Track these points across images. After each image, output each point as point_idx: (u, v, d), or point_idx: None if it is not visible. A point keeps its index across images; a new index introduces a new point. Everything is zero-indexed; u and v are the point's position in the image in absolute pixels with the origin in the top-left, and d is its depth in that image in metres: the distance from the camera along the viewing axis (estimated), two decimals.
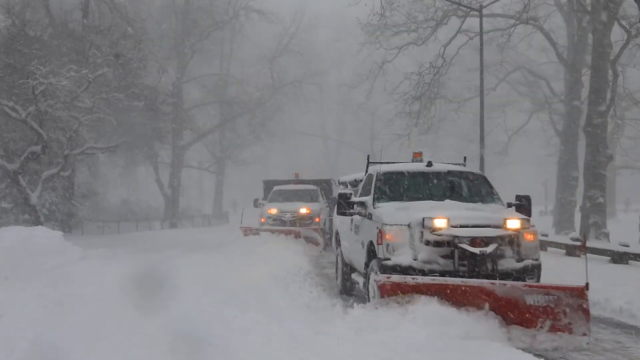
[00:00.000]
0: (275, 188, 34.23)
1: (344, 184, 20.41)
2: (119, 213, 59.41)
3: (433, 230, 11.82)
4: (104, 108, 38.60)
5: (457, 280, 11.13)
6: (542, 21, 42.59)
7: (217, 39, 66.58)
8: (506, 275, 11.80)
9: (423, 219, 11.87)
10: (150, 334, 10.47)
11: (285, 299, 14.84)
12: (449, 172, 15.05)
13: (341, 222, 17.48)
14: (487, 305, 10.94)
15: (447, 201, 13.47)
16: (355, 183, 18.22)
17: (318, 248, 28.43)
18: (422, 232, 11.90)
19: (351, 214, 14.90)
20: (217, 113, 69.44)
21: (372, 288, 12.02)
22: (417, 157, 16.18)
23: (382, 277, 11.38)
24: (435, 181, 14.69)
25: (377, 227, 12.77)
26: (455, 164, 16.32)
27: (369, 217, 13.76)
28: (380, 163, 16.14)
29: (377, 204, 13.87)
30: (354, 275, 15.89)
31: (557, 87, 51.12)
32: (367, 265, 13.39)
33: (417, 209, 12.55)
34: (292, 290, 16.14)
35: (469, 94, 51.10)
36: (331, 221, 32.56)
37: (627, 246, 22.49)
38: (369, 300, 12.37)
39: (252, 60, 70.05)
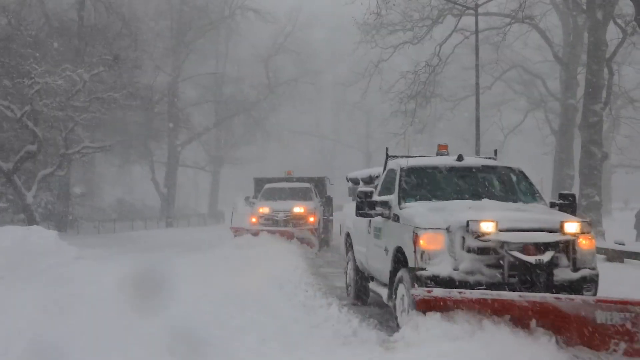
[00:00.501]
0: (267, 186, 32.19)
1: (354, 180, 17.79)
2: (115, 212, 59.35)
3: (478, 235, 10.19)
4: (100, 107, 38.60)
5: (513, 295, 9.54)
6: (538, 20, 42.58)
7: (213, 38, 66.63)
8: (561, 287, 10.29)
9: (468, 222, 10.22)
10: (148, 333, 10.48)
11: (280, 298, 14.84)
12: (483, 167, 13.22)
13: (355, 224, 15.47)
14: (549, 324, 9.36)
15: (485, 201, 11.72)
16: (369, 180, 15.96)
17: (313, 250, 27.00)
18: (463, 238, 10.28)
19: (374, 216, 12.62)
20: (212, 112, 69.44)
21: (404, 302, 10.75)
22: (442, 149, 14.40)
23: (422, 291, 9.55)
24: (468, 177, 12.94)
25: (408, 232, 10.93)
26: (487, 158, 14.64)
27: (395, 219, 11.90)
28: (401, 157, 14.35)
29: (404, 204, 12.00)
30: (372, 285, 14.01)
31: (552, 85, 51.15)
32: (392, 274, 11.67)
33: (454, 210, 10.93)
34: (288, 289, 16.11)
35: (465, 93, 51.12)
36: (325, 221, 32.28)
37: (623, 244, 22.53)
38: (395, 317, 11.14)
39: (247, 60, 70.02)
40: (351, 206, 15.55)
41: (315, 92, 75.68)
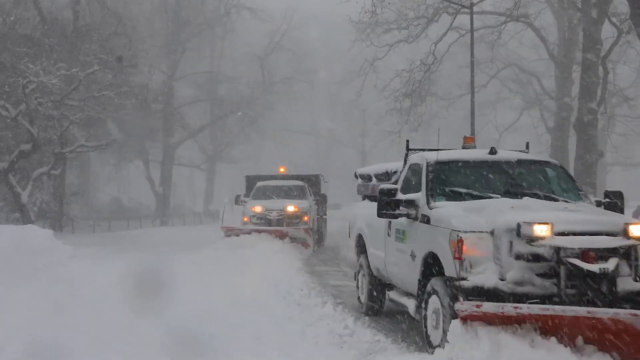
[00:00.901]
0: (259, 184, 30.84)
1: (364, 177, 15.85)
2: (110, 211, 59.35)
3: (532, 239, 8.77)
4: (95, 106, 38.56)
5: (580, 310, 8.16)
6: (533, 18, 42.57)
7: (208, 37, 66.57)
8: (624, 300, 8.87)
9: (519, 224, 8.78)
10: (143, 332, 10.50)
11: (275, 297, 14.84)
12: (519, 162, 11.56)
13: (369, 225, 13.81)
14: (625, 346, 8.13)
15: (527, 199, 10.24)
16: (385, 176, 14.10)
17: (308, 250, 26.34)
18: (511, 242, 8.84)
19: (398, 216, 11.05)
20: (208, 111, 69.36)
21: (437, 317, 9.47)
22: (468, 142, 13.02)
23: (469, 306, 8.22)
24: (503, 173, 11.28)
25: (444, 235, 9.57)
26: (519, 152, 12.80)
27: (424, 220, 10.43)
28: (425, 150, 12.85)
29: (434, 203, 10.52)
30: (392, 295, 12.38)
31: (547, 84, 51.14)
32: (422, 284, 10.33)
33: (496, 210, 9.50)
34: (283, 288, 16.12)
35: (460, 91, 51.09)
36: (319, 220, 31.43)
37: None
38: (425, 333, 9.89)
39: (243, 58, 69.94)
40: (363, 205, 14.94)
41: (311, 91, 75.60)
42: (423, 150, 12.98)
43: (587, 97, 32.02)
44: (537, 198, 10.47)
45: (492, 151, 11.62)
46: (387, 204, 11.04)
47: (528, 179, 11.34)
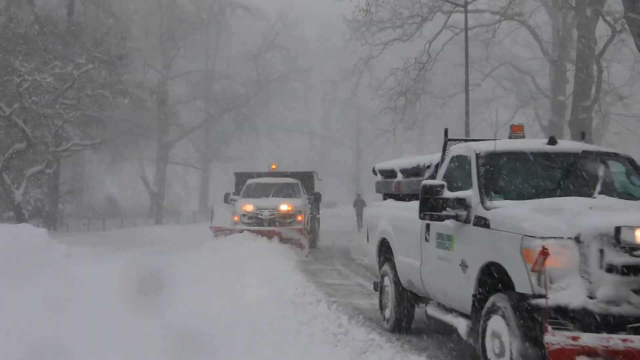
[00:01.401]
0: (250, 181, 29.43)
1: (387, 173, 13.73)
2: (104, 210, 59.26)
3: (633, 247, 7.13)
4: (89, 105, 38.51)
5: None
6: (527, 17, 42.63)
7: (202, 36, 66.51)
8: None
9: (619, 228, 7.14)
10: (138, 332, 10.49)
11: (270, 295, 14.83)
12: (586, 153, 9.81)
13: (397, 228, 11.93)
14: None
15: (603, 198, 8.74)
16: (416, 171, 11.97)
17: (303, 252, 25.05)
18: (601, 251, 7.24)
19: (445, 218, 9.19)
20: (202, 109, 69.33)
21: (501, 344, 7.84)
22: (517, 131, 10.83)
23: (563, 337, 6.61)
24: (567, 166, 9.55)
25: (512, 241, 7.86)
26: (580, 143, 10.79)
27: (481, 223, 8.66)
28: (470, 141, 10.98)
29: (492, 203, 8.78)
30: (431, 311, 10.54)
31: (542, 82, 51.22)
32: (477, 300, 8.61)
33: (576, 212, 7.93)
34: (277, 286, 16.10)
35: (455, 90, 51.15)
36: (312, 219, 30.12)
37: None
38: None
39: (237, 57, 69.91)
40: (386, 205, 13.26)
41: (305, 89, 75.70)
42: (465, 140, 11.17)
43: (582, 96, 32.07)
44: (611, 196, 8.97)
45: (552, 141, 9.87)
46: (432, 204, 9.16)
47: (596, 174, 9.45)
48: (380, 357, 9.62)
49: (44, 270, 16.97)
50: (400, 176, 12.81)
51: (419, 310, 11.79)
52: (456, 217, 9.09)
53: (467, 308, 8.88)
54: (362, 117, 75.26)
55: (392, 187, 13.08)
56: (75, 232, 43.12)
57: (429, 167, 11.39)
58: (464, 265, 8.96)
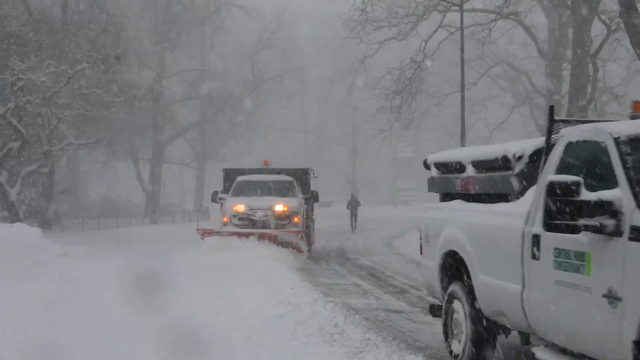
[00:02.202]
0: (240, 179, 26.66)
1: (446, 167, 10.91)
2: (100, 209, 59.14)
3: None
4: (84, 104, 38.44)
5: None
6: (523, 16, 42.68)
7: (198, 34, 66.54)
8: None
9: None
10: (133, 331, 10.43)
11: (266, 295, 14.77)
12: None
13: (477, 237, 9.03)
14: None
15: None
16: (500, 163, 9.03)
17: (302, 256, 23.51)
18: None
19: (584, 229, 6.51)
20: (197, 108, 69.30)
21: None
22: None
23: None
24: None
25: None
26: None
27: None
28: (580, 122, 8.25)
29: None
30: (544, 356, 7.40)
31: (538, 81, 51.20)
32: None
33: None
34: (273, 286, 16.03)
35: (450, 89, 51.19)
36: (307, 220, 27.03)
37: None
38: None
39: (233, 56, 69.94)
40: (454, 207, 10.32)
41: (301, 88, 75.77)
42: (578, 122, 8.43)
43: (577, 95, 32.07)
44: None
45: None
46: (567, 209, 6.64)
47: None
48: (377, 356, 9.55)
49: (39, 270, 16.93)
50: (471, 170, 9.93)
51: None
52: (599, 228, 6.40)
53: (619, 358, 6.25)
54: (358, 117, 75.17)
55: (459, 184, 10.27)
56: (70, 232, 43.03)
57: (520, 157, 8.62)
58: (612, 297, 6.28)
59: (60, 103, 37.26)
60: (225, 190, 26.77)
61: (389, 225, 46.52)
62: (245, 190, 25.55)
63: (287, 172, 28.39)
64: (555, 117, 8.22)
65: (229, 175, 28.35)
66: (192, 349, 9.66)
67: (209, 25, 67.84)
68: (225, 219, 24.60)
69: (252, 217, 24.03)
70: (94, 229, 48.49)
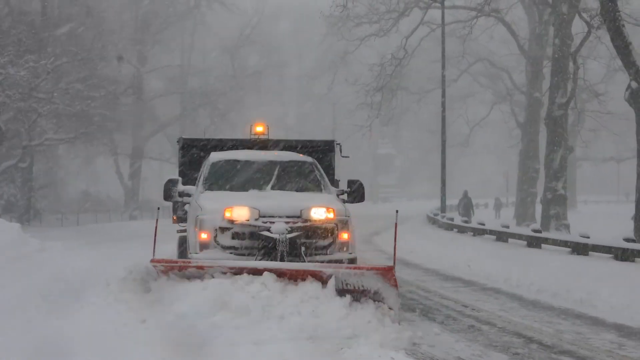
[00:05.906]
0: (215, 158, 14.06)
1: None
2: (79, 205, 58.90)
3: None
4: (63, 99, 38.23)
5: None
6: (504, 13, 42.81)
7: (178, 30, 66.21)
8: None
9: None
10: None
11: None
12: None
13: None
14: None
15: None
16: None
17: (393, 319, 10.67)
18: None
19: None
20: (177, 104, 69.06)
21: None
22: None
23: None
24: None
25: None
26: None
27: None
28: None
29: None
30: None
31: (518, 79, 51.44)
32: None
33: None
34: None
35: (431, 86, 51.29)
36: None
37: (588, 237, 22.59)
38: None
39: (213, 51, 69.74)
40: None
41: (281, 84, 75.62)
42: None
43: (558, 92, 32.24)
44: None
45: None
46: None
47: None
48: (357, 352, 9.52)
49: (17, 265, 16.81)
50: None
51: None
52: None
53: None
54: (338, 113, 75.37)
55: None
56: (49, 227, 42.80)
57: None
58: None
59: (39, 98, 37.03)
60: (188, 180, 14.40)
61: (369, 222, 46.40)
62: (230, 178, 13.44)
63: (300, 146, 16.19)
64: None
65: (189, 149, 16.31)
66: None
67: (189, 21, 67.58)
68: (205, 236, 11.75)
69: (267, 233, 11.37)
70: (73, 224, 48.25)
